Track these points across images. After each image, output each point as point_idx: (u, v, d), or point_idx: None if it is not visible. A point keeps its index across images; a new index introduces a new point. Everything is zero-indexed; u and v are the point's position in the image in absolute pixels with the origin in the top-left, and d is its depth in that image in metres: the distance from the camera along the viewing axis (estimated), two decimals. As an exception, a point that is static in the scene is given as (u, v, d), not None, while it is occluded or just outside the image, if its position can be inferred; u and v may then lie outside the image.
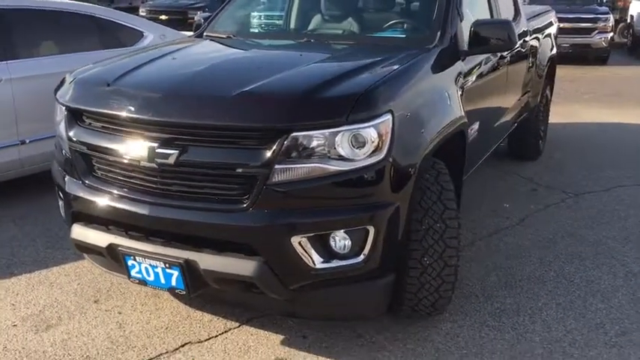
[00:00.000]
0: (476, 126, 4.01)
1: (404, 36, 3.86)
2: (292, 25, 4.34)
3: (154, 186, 2.85)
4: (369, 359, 3.10)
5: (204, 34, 4.24)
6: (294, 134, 2.63)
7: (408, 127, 2.91)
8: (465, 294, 3.71)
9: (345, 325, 3.34)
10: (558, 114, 8.54)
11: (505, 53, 4.51)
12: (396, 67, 3.11)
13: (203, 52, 3.74)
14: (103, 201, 2.98)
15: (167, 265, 2.83)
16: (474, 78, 3.90)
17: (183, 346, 3.19)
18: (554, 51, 6.62)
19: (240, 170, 2.67)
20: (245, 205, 2.69)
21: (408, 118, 2.91)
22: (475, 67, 3.93)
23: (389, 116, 2.76)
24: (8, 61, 4.87)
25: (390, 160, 2.76)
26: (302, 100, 2.71)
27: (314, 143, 2.66)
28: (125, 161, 2.88)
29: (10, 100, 4.84)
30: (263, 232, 2.69)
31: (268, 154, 2.63)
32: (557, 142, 7.15)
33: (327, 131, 2.66)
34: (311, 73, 3.07)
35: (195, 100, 2.80)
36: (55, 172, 3.32)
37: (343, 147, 2.68)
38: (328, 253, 2.76)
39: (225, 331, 3.31)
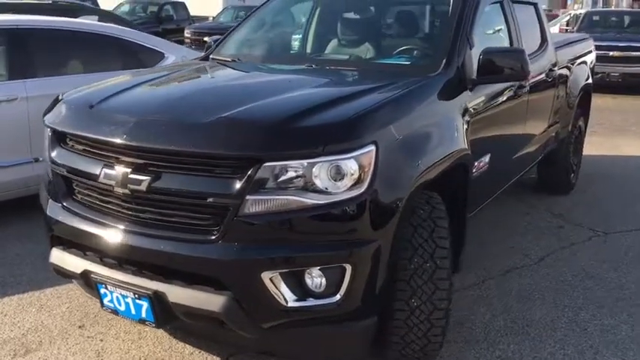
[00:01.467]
0: (486, 158, 3.80)
1: (408, 63, 3.70)
2: (298, 50, 4.23)
3: (127, 212, 2.76)
4: (350, 405, 2.91)
5: (210, 57, 4.18)
6: (267, 164, 2.49)
7: (395, 159, 2.74)
8: (465, 338, 3.47)
9: (331, 366, 3.16)
10: (599, 145, 8.21)
11: (525, 82, 4.29)
12: (387, 95, 2.96)
13: (195, 76, 3.65)
14: (79, 225, 2.90)
15: (137, 296, 2.72)
16: (484, 108, 3.70)
17: (158, 379, 3.07)
18: (589, 80, 6.31)
19: (210, 200, 2.55)
20: (214, 237, 2.56)
21: (395, 149, 2.75)
22: (486, 96, 3.73)
23: (372, 147, 2.60)
24: (26, 80, 4.91)
25: (372, 194, 2.59)
26: (275, 129, 2.58)
27: (289, 174, 2.52)
28: (101, 186, 2.80)
29: (26, 118, 4.87)
30: (232, 266, 2.55)
31: (239, 184, 2.50)
32: (593, 176, 6.80)
33: (303, 162, 2.51)
34: (294, 100, 2.94)
35: (168, 125, 2.69)
36: (42, 195, 3.27)
37: (321, 179, 2.53)
38: (302, 291, 2.61)
39: (205, 366, 3.18)
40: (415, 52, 3.80)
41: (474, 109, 3.55)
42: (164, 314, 2.71)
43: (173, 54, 5.88)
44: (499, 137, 4.01)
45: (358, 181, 2.57)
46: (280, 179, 2.52)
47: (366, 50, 3.98)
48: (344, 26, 4.22)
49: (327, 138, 2.54)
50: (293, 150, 2.53)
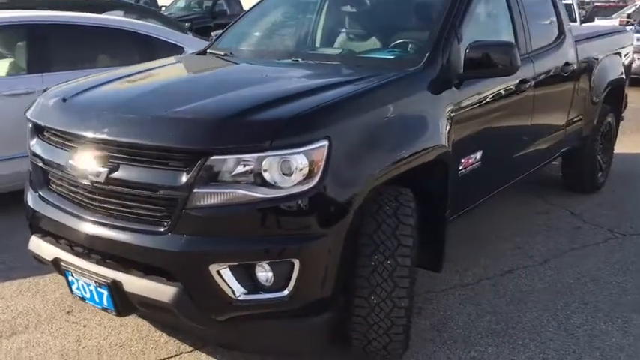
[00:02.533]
0: (477, 155, 3.70)
1: (392, 57, 3.63)
2: (290, 45, 4.21)
3: (90, 202, 2.84)
4: (309, 400, 2.91)
5: (208, 51, 4.23)
6: (214, 157, 2.51)
7: (354, 155, 2.71)
8: (443, 337, 3.41)
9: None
10: (640, 143, 7.85)
11: (528, 77, 4.15)
12: (351, 89, 2.93)
13: (174, 71, 3.69)
14: (52, 214, 3.01)
15: (97, 284, 2.80)
16: (475, 103, 3.60)
17: (127, 366, 3.15)
18: (622, 75, 6.02)
19: (161, 192, 2.60)
20: (164, 229, 2.61)
21: (354, 144, 2.72)
22: (478, 91, 3.62)
23: (325, 142, 2.58)
24: (44, 74, 5.10)
25: (323, 189, 2.58)
26: (223, 123, 2.59)
27: (237, 168, 2.53)
28: (68, 176, 2.89)
29: (43, 110, 5.05)
30: (180, 258, 2.58)
31: (187, 176, 2.53)
32: (626, 176, 6.50)
33: (251, 156, 2.52)
34: (254, 94, 2.94)
35: (126, 118, 2.74)
36: (26, 186, 3.39)
37: (271, 173, 2.53)
38: (252, 285, 2.62)
39: (176, 355, 3.23)
40: (401, 46, 3.72)
41: (460, 104, 3.46)
42: (123, 303, 2.78)
43: (192, 48, 5.96)
44: (494, 134, 3.88)
45: (308, 176, 2.55)
46: (228, 173, 2.53)
47: (356, 45, 3.94)
48: (336, 21, 4.20)
49: (275, 133, 2.53)
50: (239, 144, 2.54)
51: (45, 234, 3.11)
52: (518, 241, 4.75)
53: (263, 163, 2.52)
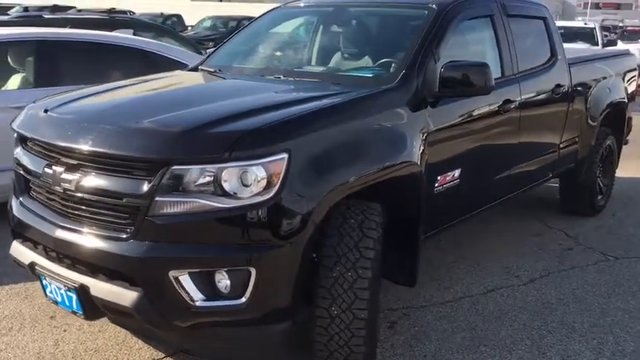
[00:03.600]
0: (455, 173, 3.74)
1: (370, 75, 3.71)
2: (276, 63, 4.31)
3: (63, 209, 2.95)
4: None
5: (200, 67, 4.36)
6: (175, 167, 2.61)
7: (315, 168, 2.78)
8: (413, 353, 3.43)
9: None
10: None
11: (513, 97, 4.19)
12: (317, 104, 3.02)
13: (156, 86, 3.80)
14: (31, 220, 3.13)
15: (67, 288, 2.90)
16: (452, 122, 3.66)
17: (98, 370, 3.24)
18: (623, 98, 6.00)
19: (125, 200, 2.70)
20: (127, 236, 2.71)
21: (315, 158, 2.79)
22: (456, 110, 3.68)
23: (284, 155, 2.66)
24: (50, 88, 5.27)
25: (280, 200, 2.65)
26: (183, 134, 2.69)
27: (197, 178, 2.62)
28: (45, 184, 3.01)
29: (48, 123, 5.23)
30: (141, 263, 2.68)
31: (149, 185, 2.63)
32: (629, 200, 6.44)
33: (211, 166, 2.61)
34: (220, 108, 3.05)
35: (95, 129, 2.85)
36: (10, 194, 3.53)
37: (230, 183, 2.62)
38: (212, 292, 2.70)
39: (147, 361, 3.32)
40: (382, 64, 3.78)
41: (435, 122, 3.51)
42: (90, 307, 2.87)
43: (197, 65, 6.13)
44: (475, 153, 3.90)
45: (267, 188, 2.63)
46: (189, 182, 2.62)
47: (341, 63, 4.04)
48: (323, 41, 4.31)
49: (235, 144, 2.62)
50: (199, 155, 2.64)
51: (24, 239, 3.23)
52: (507, 261, 4.74)
53: (223, 173, 2.61)
